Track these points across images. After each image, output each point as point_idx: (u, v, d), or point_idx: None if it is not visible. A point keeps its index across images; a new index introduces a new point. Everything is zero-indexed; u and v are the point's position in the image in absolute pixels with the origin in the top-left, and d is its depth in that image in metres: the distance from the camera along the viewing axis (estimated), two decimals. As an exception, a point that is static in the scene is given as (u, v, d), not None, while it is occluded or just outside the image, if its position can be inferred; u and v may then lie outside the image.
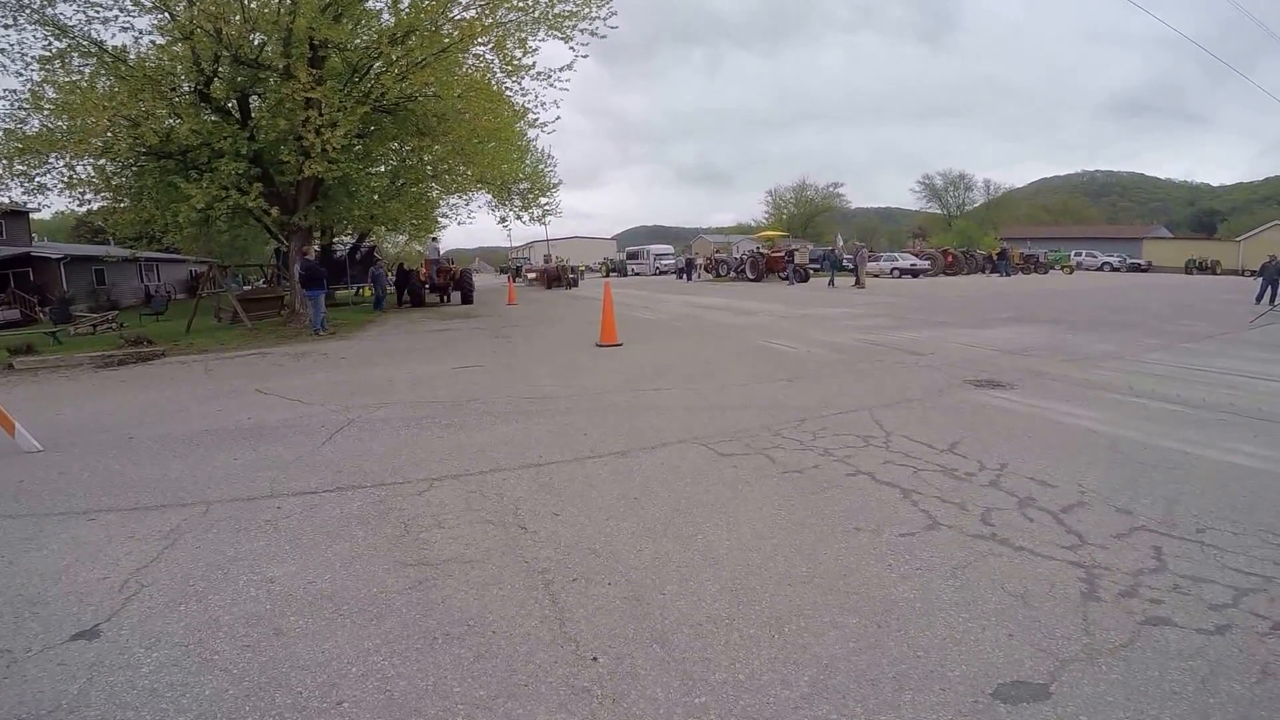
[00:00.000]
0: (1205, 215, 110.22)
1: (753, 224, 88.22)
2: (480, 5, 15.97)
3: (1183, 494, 4.50)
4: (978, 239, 69.20)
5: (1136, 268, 56.54)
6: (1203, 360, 9.88)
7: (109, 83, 15.19)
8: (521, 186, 30.27)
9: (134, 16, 14.69)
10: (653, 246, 67.88)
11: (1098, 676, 2.61)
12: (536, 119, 20.97)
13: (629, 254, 68.24)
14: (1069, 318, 16.05)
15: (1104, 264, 57.01)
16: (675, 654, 2.86)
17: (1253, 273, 30.02)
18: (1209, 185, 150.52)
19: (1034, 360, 9.91)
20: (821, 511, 4.35)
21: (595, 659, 2.84)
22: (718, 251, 54.76)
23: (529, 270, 54.86)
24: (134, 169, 17.39)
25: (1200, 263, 54.98)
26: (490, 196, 29.00)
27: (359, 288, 30.34)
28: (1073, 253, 58.71)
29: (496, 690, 2.66)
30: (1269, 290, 20.47)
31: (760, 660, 2.80)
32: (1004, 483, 4.78)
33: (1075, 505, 4.33)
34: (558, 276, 40.71)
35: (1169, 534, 3.87)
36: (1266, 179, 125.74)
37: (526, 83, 18.51)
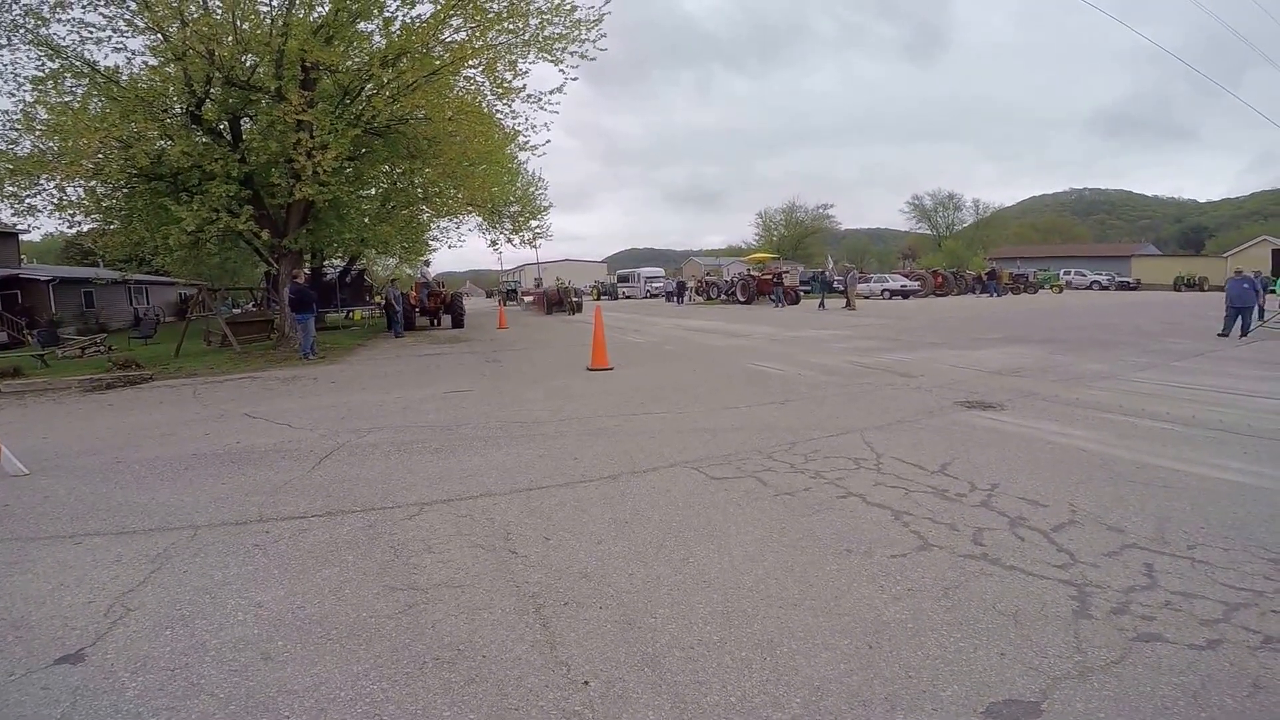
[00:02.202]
0: (1192, 232, 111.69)
1: (743, 246, 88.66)
2: (471, 28, 16.09)
3: (1173, 511, 4.51)
4: (967, 259, 69.78)
5: (1125, 286, 57.17)
6: (1192, 378, 9.96)
7: (101, 104, 15.22)
8: (512, 209, 30.42)
9: (127, 37, 14.77)
10: (643, 269, 68.24)
11: (1089, 693, 2.60)
12: (527, 142, 21.18)
13: (620, 277, 68.60)
14: (1059, 337, 16.16)
15: (1093, 282, 57.60)
16: (667, 677, 2.84)
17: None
18: (1195, 201, 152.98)
19: (1024, 380, 9.96)
20: (813, 534, 4.34)
21: (587, 683, 2.82)
22: (708, 274, 55.00)
23: (525, 293, 53.56)
24: (125, 191, 17.35)
25: (1188, 280, 55.61)
26: (481, 219, 29.11)
27: (349, 311, 30.27)
28: (1062, 272, 59.33)
29: (487, 714, 2.63)
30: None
31: (752, 682, 2.78)
32: (995, 503, 4.79)
33: (1066, 524, 4.34)
34: (559, 300, 37.33)
35: (1160, 551, 3.88)
36: (1253, 194, 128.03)
37: (517, 105, 18.72)
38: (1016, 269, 54.33)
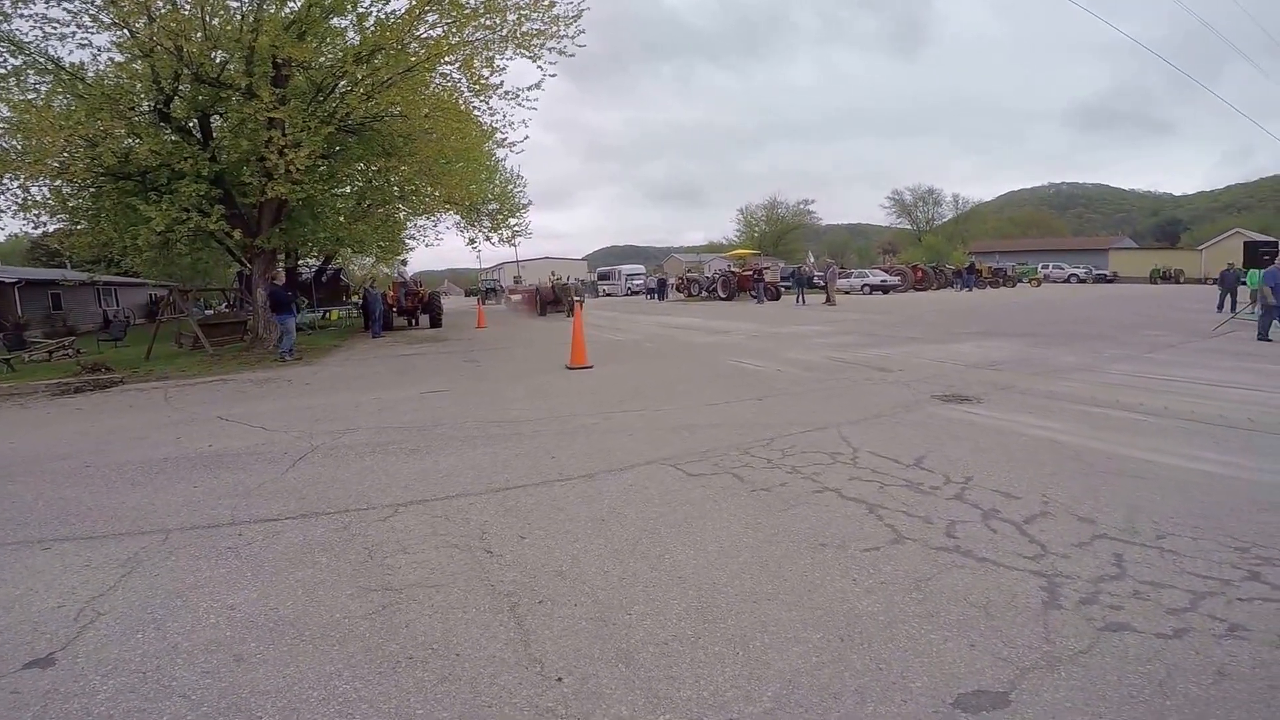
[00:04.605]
0: (1168, 225, 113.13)
1: (725, 242, 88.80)
2: (447, 24, 15.89)
3: (1144, 501, 4.57)
4: (947, 254, 70.30)
5: (1103, 279, 57.96)
6: (1166, 369, 10.10)
7: (66, 101, 14.86)
8: (490, 207, 30.24)
9: (92, 33, 14.36)
10: (624, 266, 68.14)
11: (1057, 683, 2.63)
12: (505, 139, 20.96)
13: (600, 274, 68.44)
14: (1036, 331, 16.34)
15: (1071, 276, 58.31)
16: (641, 673, 2.85)
17: (1213, 281, 30.74)
18: (1171, 195, 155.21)
19: (1001, 374, 10.05)
20: (788, 529, 4.36)
21: (560, 680, 2.82)
22: (689, 271, 54.92)
23: (512, 291, 51.60)
24: (91, 190, 16.97)
25: (1164, 272, 56.59)
26: (459, 218, 28.89)
27: (325, 311, 29.96)
28: (1040, 265, 59.93)
29: (460, 712, 2.64)
30: (1228, 298, 20.94)
31: (725, 677, 2.79)
32: (969, 495, 4.83)
33: (1038, 516, 4.38)
34: (554, 299, 31.84)
35: (1130, 541, 3.92)
36: (1227, 187, 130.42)
37: (494, 102, 18.46)
38: (995, 263, 54.78)
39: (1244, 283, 20.75)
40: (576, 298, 30.29)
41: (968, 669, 2.76)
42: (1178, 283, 53.70)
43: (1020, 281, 52.16)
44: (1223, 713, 2.43)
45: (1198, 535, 3.96)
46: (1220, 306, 20.81)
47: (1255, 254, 19.52)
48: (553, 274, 36.07)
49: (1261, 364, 10.57)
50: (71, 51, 14.89)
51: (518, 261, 62.79)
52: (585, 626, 3.25)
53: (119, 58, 15.14)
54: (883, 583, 3.55)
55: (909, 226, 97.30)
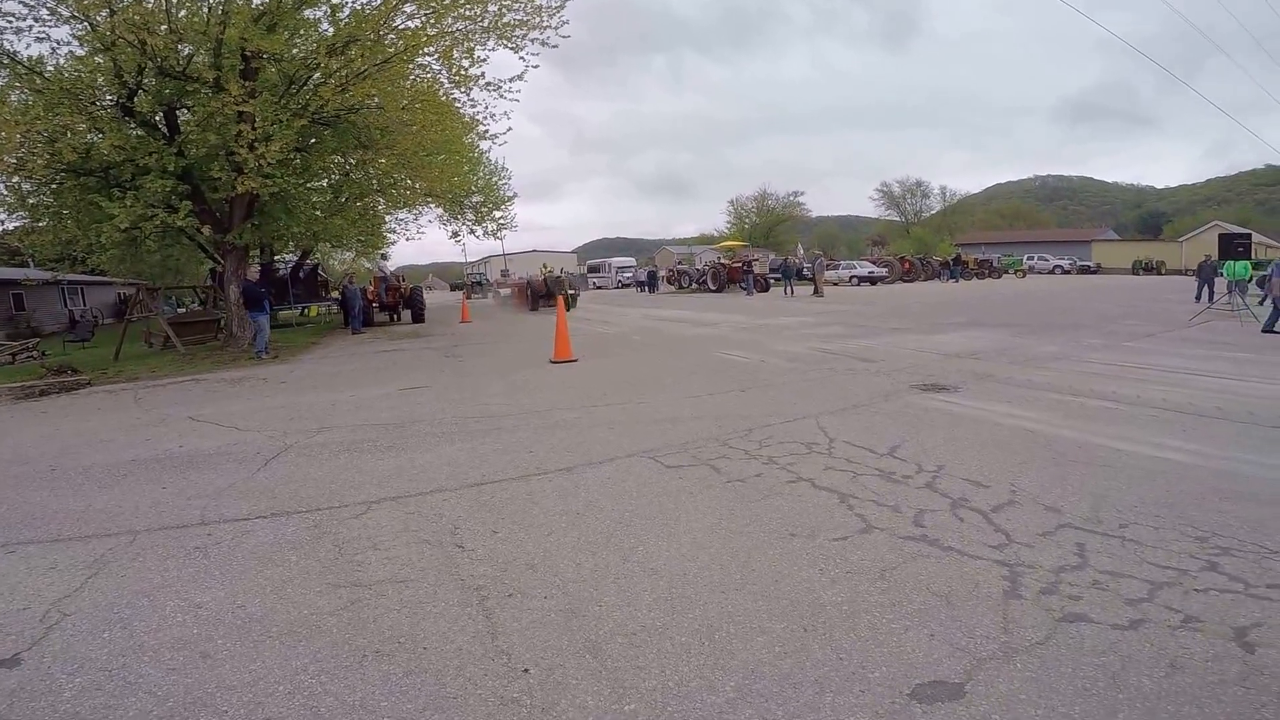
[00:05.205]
0: (1151, 217, 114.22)
1: (715, 234, 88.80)
2: (425, 14, 15.62)
3: (1110, 490, 4.61)
4: (934, 246, 70.67)
5: (1086, 270, 58.49)
6: (1142, 358, 10.20)
7: (23, 96, 14.38)
8: (474, 200, 30.01)
9: (50, 26, 13.93)
10: (614, 259, 68.18)
11: (1012, 674, 2.65)
12: (487, 130, 20.76)
13: (590, 267, 68.43)
14: (1018, 321, 16.47)
15: (1055, 267, 58.80)
16: (608, 664, 2.87)
17: (1192, 272, 31.01)
18: (1154, 188, 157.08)
19: (981, 363, 10.13)
20: (760, 519, 4.38)
21: (526, 671, 2.84)
22: (680, 263, 54.90)
23: (502, 285, 50.21)
24: (52, 187, 16.49)
25: (1146, 264, 57.13)
26: (441, 211, 28.66)
27: (304, 308, 29.62)
28: (1025, 257, 60.38)
29: (425, 704, 2.66)
30: (1206, 289, 21.14)
31: (690, 667, 2.81)
32: (939, 484, 4.87)
33: (1006, 505, 4.42)
34: (547, 293, 29.29)
35: (1093, 530, 3.96)
36: (1208, 180, 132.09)
37: (476, 93, 18.21)
38: (981, 255, 55.13)
39: (1221, 274, 20.92)
40: (570, 290, 29.73)
41: (926, 659, 2.78)
42: (1159, 274, 54.22)
43: (1006, 273, 52.44)
44: (1173, 707, 2.44)
45: (1160, 524, 4.00)
46: (1198, 297, 21.02)
47: (1230, 246, 19.65)
48: (545, 266, 34.52)
49: (1234, 353, 10.68)
50: (29, 45, 14.38)
51: (504, 255, 62.54)
52: (554, 619, 3.26)
53: (79, 51, 14.67)
54: (849, 572, 3.57)
55: (897, 218, 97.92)
